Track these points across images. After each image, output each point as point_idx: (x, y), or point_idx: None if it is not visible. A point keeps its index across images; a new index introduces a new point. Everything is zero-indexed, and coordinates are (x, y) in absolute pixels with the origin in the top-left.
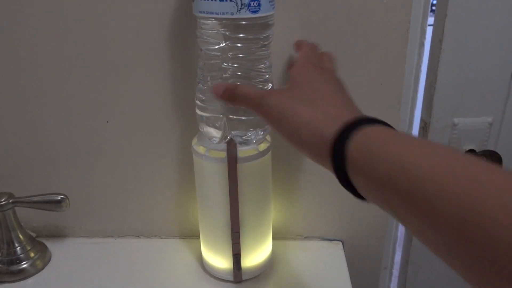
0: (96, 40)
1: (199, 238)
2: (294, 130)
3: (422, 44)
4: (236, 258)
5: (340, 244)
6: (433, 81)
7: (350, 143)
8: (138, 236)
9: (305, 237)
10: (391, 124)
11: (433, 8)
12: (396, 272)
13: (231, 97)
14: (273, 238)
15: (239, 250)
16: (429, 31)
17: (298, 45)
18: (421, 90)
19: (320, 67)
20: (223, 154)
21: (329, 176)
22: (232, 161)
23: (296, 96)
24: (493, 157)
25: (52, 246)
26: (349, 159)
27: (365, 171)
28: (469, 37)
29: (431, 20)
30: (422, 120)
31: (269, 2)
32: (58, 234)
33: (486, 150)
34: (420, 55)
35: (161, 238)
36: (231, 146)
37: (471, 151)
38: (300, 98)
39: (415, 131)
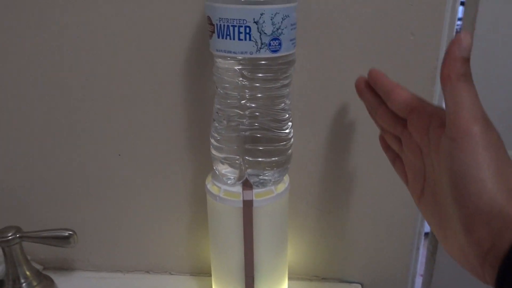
0: (109, 73)
1: (210, 275)
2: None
3: None
4: None
5: (360, 287)
6: None
7: None
8: (147, 272)
9: (322, 278)
10: None
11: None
12: None
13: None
14: (288, 278)
15: None
16: None
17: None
18: None
19: None
20: (239, 196)
21: (349, 216)
22: (248, 204)
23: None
24: None
25: (59, 279)
26: None
27: None
28: (495, 76)
29: None
30: None
31: (290, 40)
32: (65, 267)
33: None
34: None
35: (171, 274)
36: (247, 188)
37: None
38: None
39: None
